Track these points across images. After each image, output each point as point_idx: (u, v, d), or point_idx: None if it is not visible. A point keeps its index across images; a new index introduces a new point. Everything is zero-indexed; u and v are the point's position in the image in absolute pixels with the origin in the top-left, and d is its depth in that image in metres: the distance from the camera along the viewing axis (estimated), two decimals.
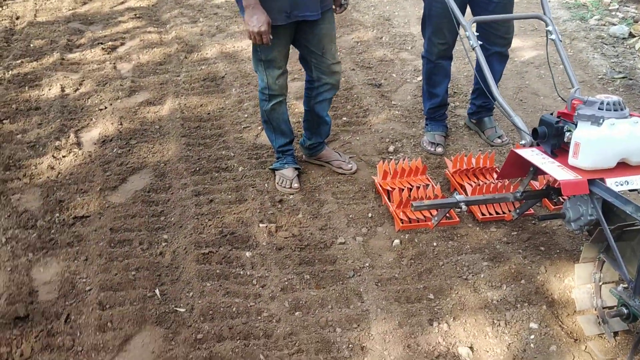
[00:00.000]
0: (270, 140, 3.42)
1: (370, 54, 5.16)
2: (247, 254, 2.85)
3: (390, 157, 3.64)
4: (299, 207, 3.17)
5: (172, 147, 3.77)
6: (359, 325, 2.44)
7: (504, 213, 3.07)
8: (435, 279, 2.69)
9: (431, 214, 3.02)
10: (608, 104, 2.27)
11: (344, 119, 4.10)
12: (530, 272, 2.70)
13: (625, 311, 2.14)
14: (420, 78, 4.66)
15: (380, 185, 3.24)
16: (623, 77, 4.71)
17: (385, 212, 3.14)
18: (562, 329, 2.42)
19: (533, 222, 3.05)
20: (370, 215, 3.12)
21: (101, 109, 4.30)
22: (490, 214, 3.08)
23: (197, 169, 3.53)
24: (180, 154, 3.67)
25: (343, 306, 2.55)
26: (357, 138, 3.87)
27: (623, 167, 2.30)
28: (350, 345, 2.35)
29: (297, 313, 2.51)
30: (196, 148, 3.75)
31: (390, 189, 3.18)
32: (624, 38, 5.45)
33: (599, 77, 4.72)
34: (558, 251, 2.83)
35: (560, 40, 2.82)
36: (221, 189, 3.34)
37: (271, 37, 2.76)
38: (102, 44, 5.55)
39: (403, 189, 3.12)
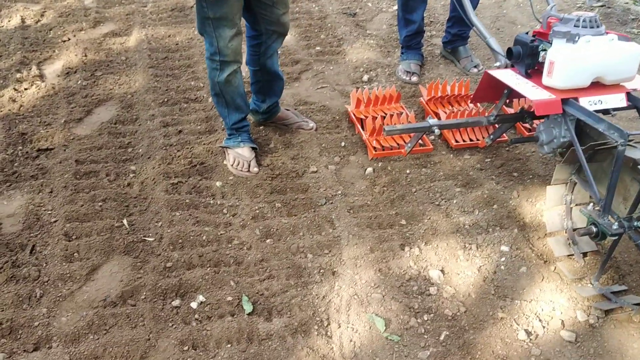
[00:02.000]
0: (222, 116, 2.92)
1: None
2: (217, 183, 2.79)
3: (365, 86, 3.56)
4: (271, 136, 3.10)
5: (139, 78, 3.64)
6: (330, 251, 2.43)
7: (477, 140, 3.04)
8: (408, 206, 2.67)
9: (404, 141, 2.98)
10: (584, 20, 2.20)
11: (318, 48, 3.99)
12: (502, 197, 2.69)
13: (595, 229, 2.15)
14: (396, 7, 4.53)
15: (354, 114, 3.18)
16: (601, 5, 4.63)
17: (358, 140, 3.09)
18: (533, 251, 2.43)
19: (507, 148, 3.02)
20: (343, 144, 3.07)
21: (64, 41, 4.12)
22: (464, 140, 3.04)
23: (165, 100, 3.42)
24: (148, 85, 3.54)
25: (314, 233, 2.52)
26: (331, 68, 3.77)
27: (597, 86, 2.26)
28: (321, 271, 2.34)
29: (268, 240, 2.48)
30: (164, 79, 3.63)
31: (363, 117, 3.11)
32: None
33: (578, 5, 4.64)
34: (531, 176, 2.82)
35: None
36: (190, 119, 3.25)
37: None
38: None
39: (376, 117, 3.06)
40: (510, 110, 3.16)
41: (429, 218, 2.59)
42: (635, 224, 2.02)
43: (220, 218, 2.59)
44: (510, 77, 2.41)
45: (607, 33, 2.23)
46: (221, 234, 2.50)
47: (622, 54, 2.19)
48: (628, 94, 2.27)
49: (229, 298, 2.20)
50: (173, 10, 4.52)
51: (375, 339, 2.07)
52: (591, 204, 2.26)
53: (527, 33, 2.47)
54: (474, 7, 3.49)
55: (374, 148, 2.95)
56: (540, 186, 2.74)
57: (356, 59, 3.85)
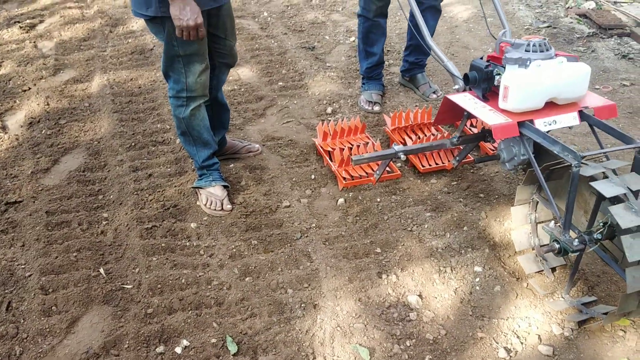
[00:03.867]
0: (191, 155, 2.92)
1: (301, 17, 5.10)
2: (192, 225, 2.80)
3: (329, 118, 3.64)
4: (241, 174, 3.14)
5: (105, 124, 3.64)
6: (309, 285, 2.46)
7: (444, 163, 3.13)
8: (381, 233, 2.73)
9: (372, 169, 3.05)
10: (534, 45, 2.31)
11: (280, 83, 4.06)
12: (471, 218, 2.78)
13: (557, 246, 2.24)
14: (353, 39, 4.66)
15: (321, 147, 3.24)
16: (548, 26, 4.84)
17: (327, 172, 3.15)
18: (505, 269, 2.51)
19: (472, 170, 3.13)
20: (313, 177, 3.12)
21: (25, 90, 4.10)
22: (430, 165, 3.13)
23: (133, 144, 3.43)
24: (114, 131, 3.55)
25: (293, 267, 2.56)
26: (295, 102, 3.84)
27: (551, 106, 2.37)
28: (302, 305, 2.37)
29: (247, 279, 2.50)
30: (130, 123, 3.64)
31: (331, 149, 3.18)
32: None
33: (525, 27, 4.84)
34: (497, 196, 2.92)
35: None
36: (159, 162, 3.26)
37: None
38: (19, 22, 5.26)
39: (343, 148, 3.13)
40: (475, 130, 3.27)
41: (403, 244, 2.66)
42: (595, 236, 2.12)
43: (197, 259, 2.61)
44: (468, 101, 2.51)
45: (556, 55, 2.35)
46: (200, 276, 2.51)
47: (572, 74, 2.31)
48: (580, 112, 2.39)
49: (213, 340, 2.21)
50: (133, 54, 4.55)
51: None
52: (553, 221, 2.36)
53: (481, 58, 2.58)
54: (431, 33, 3.63)
55: (344, 178, 3.01)
56: (506, 205, 2.84)
57: (319, 92, 3.94)
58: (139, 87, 4.06)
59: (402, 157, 2.77)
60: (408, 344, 2.20)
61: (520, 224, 2.50)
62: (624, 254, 1.89)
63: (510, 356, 2.14)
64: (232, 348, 2.17)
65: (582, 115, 2.38)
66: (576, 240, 2.14)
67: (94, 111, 3.81)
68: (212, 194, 2.87)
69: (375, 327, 2.26)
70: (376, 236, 2.71)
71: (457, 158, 2.91)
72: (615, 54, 4.42)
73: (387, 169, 3.05)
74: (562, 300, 2.35)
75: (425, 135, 3.26)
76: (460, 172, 3.11)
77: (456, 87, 2.67)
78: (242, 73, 4.18)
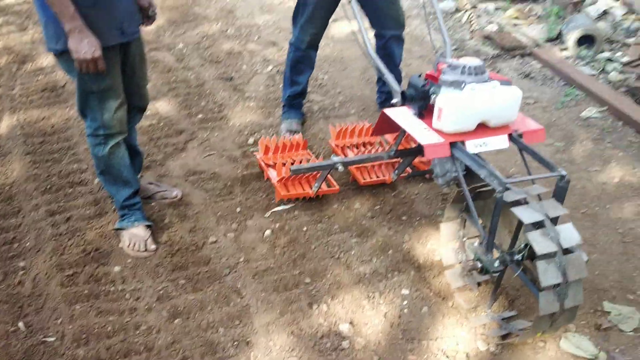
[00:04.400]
0: (111, 195, 2.87)
1: (217, 48, 5.10)
2: (116, 268, 2.72)
3: (251, 149, 3.64)
4: (165, 211, 3.09)
5: (16, 166, 3.49)
6: (241, 321, 2.45)
7: (384, 176, 3.22)
8: (310, 263, 2.75)
9: (310, 186, 3.09)
10: (469, 68, 2.36)
11: (200, 116, 4.04)
12: (395, 242, 2.86)
13: (479, 265, 2.34)
14: (270, 67, 4.70)
15: (263, 161, 3.27)
16: (455, 49, 5.08)
17: (253, 204, 3.15)
18: (431, 290, 2.59)
19: (393, 194, 3.21)
20: (238, 209, 3.12)
21: None
22: (371, 177, 3.22)
23: (48, 187, 3.30)
24: (27, 174, 3.40)
25: (223, 305, 2.53)
26: (216, 134, 3.83)
27: (483, 128, 2.42)
28: (235, 343, 2.35)
29: (176, 320, 2.45)
30: (44, 165, 3.50)
31: (272, 163, 3.23)
32: (452, 12, 5.87)
33: (434, 51, 5.05)
34: (418, 218, 3.02)
35: None
36: (78, 204, 3.15)
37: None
38: None
39: (285, 163, 3.15)
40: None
41: (332, 272, 2.69)
42: (516, 257, 2.23)
43: (123, 304, 2.53)
44: (404, 117, 2.54)
45: (490, 78, 2.40)
46: (127, 321, 2.44)
47: (504, 99, 2.36)
48: (510, 135, 2.43)
49: None
50: (44, 91, 4.39)
51: None
52: (478, 240, 2.46)
53: (419, 76, 2.60)
54: (398, 62, 3.73)
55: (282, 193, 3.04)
56: (428, 226, 2.94)
57: (239, 123, 3.94)
58: (52, 126, 3.92)
59: (340, 168, 2.85)
60: None
61: (448, 241, 2.59)
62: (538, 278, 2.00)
63: None
64: None
65: (512, 139, 2.44)
66: (497, 262, 2.24)
67: (4, 154, 3.64)
68: (135, 235, 2.81)
69: None
70: (305, 266, 2.74)
71: (397, 172, 3.00)
72: (519, 73, 4.69)
73: (326, 183, 3.09)
74: (484, 315, 2.45)
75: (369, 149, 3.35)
76: (383, 196, 3.19)
77: (394, 101, 2.70)
78: (160, 107, 4.12)
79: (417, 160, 3.27)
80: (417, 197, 3.19)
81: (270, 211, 3.09)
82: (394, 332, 2.40)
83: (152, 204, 3.14)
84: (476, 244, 2.40)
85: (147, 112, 3.90)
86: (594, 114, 4.05)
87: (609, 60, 4.74)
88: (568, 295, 2.01)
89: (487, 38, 5.27)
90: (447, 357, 2.28)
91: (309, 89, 4.34)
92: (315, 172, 3.07)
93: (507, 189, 2.10)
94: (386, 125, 2.76)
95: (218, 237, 2.92)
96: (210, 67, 4.75)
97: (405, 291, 2.58)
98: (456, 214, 2.53)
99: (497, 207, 2.13)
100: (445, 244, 2.60)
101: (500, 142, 2.41)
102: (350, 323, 2.44)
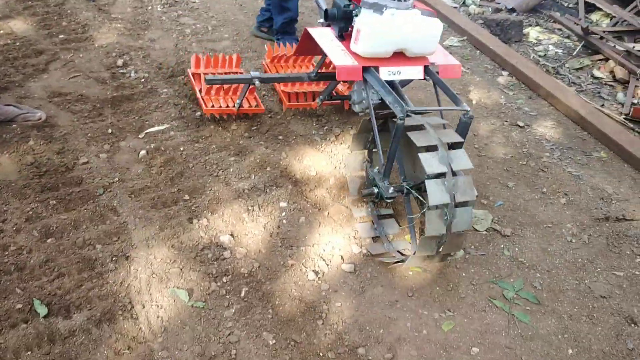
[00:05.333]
0: None
1: None
2: None
3: (121, 70, 3.49)
4: (28, 133, 2.90)
5: None
6: (119, 238, 2.41)
7: (313, 101, 3.21)
8: (188, 181, 2.75)
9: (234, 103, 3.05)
10: None
11: (61, 36, 3.77)
12: (273, 159, 2.92)
13: (376, 191, 2.39)
14: None
15: (192, 74, 3.20)
16: None
17: (125, 125, 3.04)
18: (307, 202, 2.70)
19: (269, 115, 3.25)
20: (110, 131, 3.00)
21: None
22: (298, 101, 3.23)
23: None
24: None
25: (99, 223, 2.47)
26: (81, 55, 3.61)
27: (399, 57, 2.39)
28: (114, 258, 2.32)
29: (49, 240, 2.36)
30: None
31: (202, 74, 3.15)
32: None
33: None
34: (294, 137, 3.09)
35: None
36: None
37: None
38: None
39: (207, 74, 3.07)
40: None
41: (211, 189, 2.71)
42: (408, 185, 2.32)
43: None
44: (325, 37, 2.49)
45: (414, 7, 2.34)
46: None
47: (424, 29, 2.33)
48: (426, 67, 2.41)
49: (19, 306, 2.08)
50: None
51: (182, 310, 2.15)
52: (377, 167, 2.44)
53: None
54: None
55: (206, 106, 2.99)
56: (304, 145, 3.03)
57: (106, 44, 3.74)
58: None
59: (257, 83, 2.78)
60: (225, 280, 2.29)
61: (354, 170, 2.62)
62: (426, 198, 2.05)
63: (319, 277, 2.34)
64: (42, 310, 2.07)
65: (428, 71, 2.42)
66: (392, 188, 2.28)
67: None
68: None
69: (191, 270, 2.31)
70: (183, 184, 2.73)
71: (321, 97, 2.98)
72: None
73: (253, 103, 3.07)
74: (364, 209, 2.58)
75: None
76: (259, 118, 3.22)
77: (320, 21, 2.62)
78: (14, 26, 3.79)
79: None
80: (293, 118, 3.25)
81: (144, 132, 3.01)
82: (274, 241, 2.49)
83: (14, 126, 2.93)
84: (376, 169, 2.41)
85: (1, 32, 3.60)
86: (455, 43, 4.32)
87: None
88: (456, 217, 2.08)
89: None
90: (324, 259, 2.42)
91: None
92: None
93: (409, 115, 2.12)
94: (309, 46, 2.69)
95: (90, 158, 2.81)
96: None
97: (283, 204, 2.67)
98: (362, 144, 2.53)
99: (396, 132, 2.15)
100: (351, 174, 2.60)
101: (415, 72, 2.40)
102: (231, 235, 2.49)
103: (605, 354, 2.19)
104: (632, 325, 2.30)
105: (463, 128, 2.24)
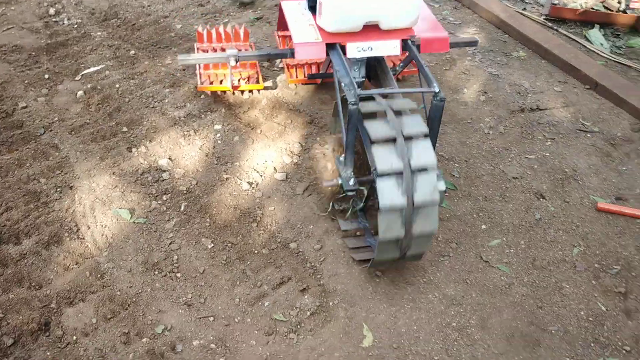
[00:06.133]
0: None
1: None
2: None
3: (54, 19, 3.54)
4: None
5: None
6: (62, 171, 2.55)
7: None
8: (125, 114, 2.87)
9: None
10: None
11: None
12: None
13: (339, 182, 2.15)
14: None
15: (198, 47, 2.99)
16: None
17: (61, 70, 3.13)
18: (241, 122, 2.85)
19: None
20: (47, 76, 3.09)
21: None
22: (303, 77, 2.98)
23: None
24: None
25: (42, 160, 2.60)
26: (12, 8, 3.64)
27: (372, 30, 2.13)
28: (58, 189, 2.47)
29: None
30: None
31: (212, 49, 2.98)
32: None
33: None
34: None
35: None
36: None
37: None
38: None
39: (216, 50, 2.98)
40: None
41: (148, 120, 2.84)
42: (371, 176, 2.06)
43: None
44: (294, 11, 2.29)
45: None
46: None
47: None
48: (404, 42, 2.17)
49: None
50: None
51: (125, 227, 2.32)
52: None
53: None
54: None
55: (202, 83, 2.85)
56: None
57: None
58: None
59: (233, 62, 2.56)
60: (165, 199, 2.46)
61: (335, 152, 2.40)
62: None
63: (252, 187, 2.52)
64: None
65: (406, 45, 2.18)
66: (352, 179, 2.09)
67: None
68: None
69: (132, 192, 2.47)
70: (121, 117, 2.85)
71: (322, 71, 2.86)
72: None
73: (257, 79, 2.91)
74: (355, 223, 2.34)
75: None
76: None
77: None
78: None
79: None
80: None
81: (80, 74, 3.11)
82: (210, 160, 2.65)
83: None
84: (341, 157, 2.20)
85: None
86: None
87: None
88: (415, 221, 1.84)
89: None
90: (257, 171, 2.59)
91: None
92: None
93: (363, 100, 1.92)
94: (284, 20, 2.45)
95: (28, 103, 2.92)
96: None
97: (218, 126, 2.81)
98: (340, 127, 2.23)
99: (351, 119, 1.94)
100: (331, 158, 2.34)
101: (390, 47, 2.15)
102: (169, 158, 2.64)
103: (515, 225, 2.42)
104: (541, 199, 2.53)
105: (435, 113, 2.01)
